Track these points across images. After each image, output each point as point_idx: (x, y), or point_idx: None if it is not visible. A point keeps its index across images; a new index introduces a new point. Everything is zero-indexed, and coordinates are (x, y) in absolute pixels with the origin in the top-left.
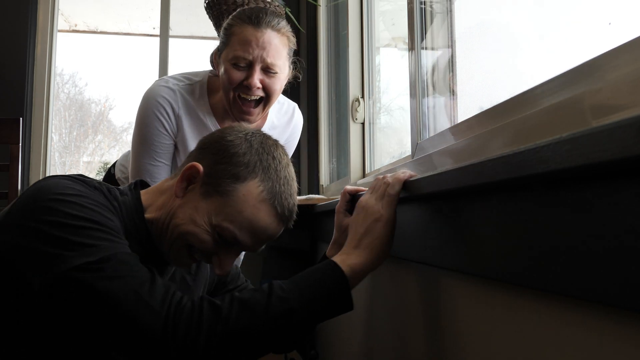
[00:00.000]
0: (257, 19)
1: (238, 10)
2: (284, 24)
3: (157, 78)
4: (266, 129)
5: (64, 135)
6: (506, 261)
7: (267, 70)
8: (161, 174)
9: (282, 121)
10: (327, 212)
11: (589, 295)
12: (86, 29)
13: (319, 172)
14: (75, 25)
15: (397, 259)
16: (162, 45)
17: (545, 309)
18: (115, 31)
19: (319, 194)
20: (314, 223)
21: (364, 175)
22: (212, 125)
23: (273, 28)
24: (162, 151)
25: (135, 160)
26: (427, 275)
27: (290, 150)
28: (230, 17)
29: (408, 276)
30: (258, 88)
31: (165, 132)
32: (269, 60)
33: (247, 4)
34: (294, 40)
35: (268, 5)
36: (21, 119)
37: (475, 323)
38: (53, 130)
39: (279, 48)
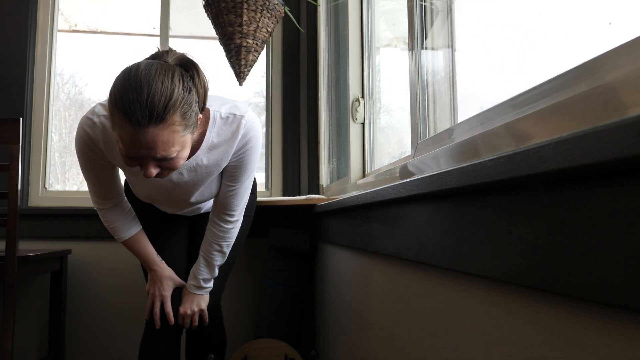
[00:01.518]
0: (134, 115)
1: (117, 83)
2: (172, 103)
3: None
4: (204, 150)
5: (64, 135)
6: (506, 261)
7: (162, 159)
8: (101, 186)
9: (224, 137)
10: (327, 212)
11: (590, 295)
12: (86, 29)
13: (319, 172)
14: (75, 25)
15: (397, 259)
16: (162, 45)
17: (545, 308)
18: (115, 31)
19: (319, 194)
20: (314, 223)
21: (364, 175)
22: None
23: (155, 122)
24: (94, 170)
25: (84, 176)
26: (426, 275)
27: (251, 163)
28: (110, 92)
29: (408, 276)
30: (158, 172)
31: (92, 156)
32: (159, 155)
33: (245, 1)
34: (189, 108)
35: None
36: (21, 119)
37: (475, 323)
38: (53, 130)
39: (168, 140)
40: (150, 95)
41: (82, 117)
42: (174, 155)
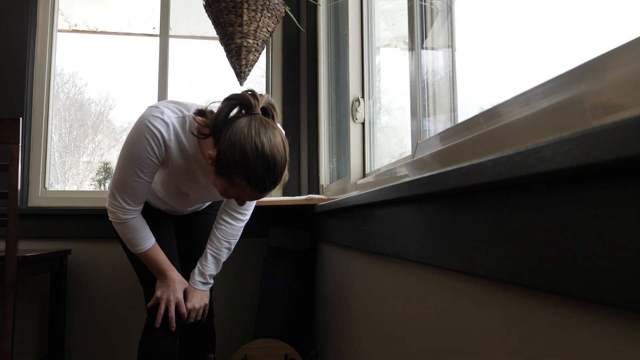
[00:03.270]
0: (263, 186)
1: (247, 159)
2: (285, 172)
3: (156, 79)
4: None
5: (63, 135)
6: (506, 261)
7: None
8: (142, 189)
9: None
10: (327, 212)
11: (589, 295)
12: (86, 29)
13: (319, 172)
14: (75, 25)
15: (397, 259)
16: (162, 45)
17: (545, 309)
18: (115, 31)
19: (319, 194)
20: (313, 223)
21: (364, 175)
22: (197, 158)
23: (274, 186)
24: (147, 170)
25: (120, 173)
26: (426, 275)
27: None
28: (236, 161)
29: (408, 276)
30: None
31: (154, 155)
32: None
33: (246, 0)
34: (287, 174)
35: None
36: (21, 119)
37: (474, 323)
38: (53, 130)
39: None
40: (277, 171)
41: (148, 117)
42: None
